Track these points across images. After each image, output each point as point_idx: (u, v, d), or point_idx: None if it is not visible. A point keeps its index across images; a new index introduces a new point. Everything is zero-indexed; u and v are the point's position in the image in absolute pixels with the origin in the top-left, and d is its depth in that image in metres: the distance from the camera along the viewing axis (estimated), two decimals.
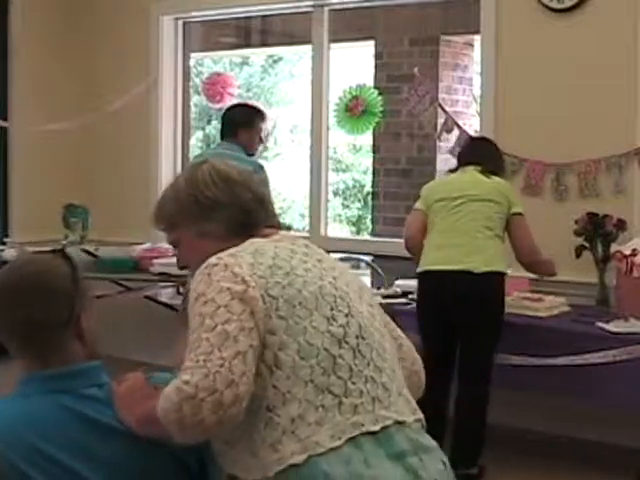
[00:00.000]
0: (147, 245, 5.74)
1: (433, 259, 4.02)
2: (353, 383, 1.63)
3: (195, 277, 1.71)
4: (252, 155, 4.68)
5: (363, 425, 1.60)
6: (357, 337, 1.68)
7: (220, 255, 1.72)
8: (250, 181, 1.95)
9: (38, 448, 1.63)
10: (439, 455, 1.70)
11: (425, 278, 4.07)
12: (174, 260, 6.03)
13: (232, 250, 1.74)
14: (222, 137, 4.75)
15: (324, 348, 1.63)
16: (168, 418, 1.52)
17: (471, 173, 4.16)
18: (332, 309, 1.68)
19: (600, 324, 4.00)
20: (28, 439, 1.63)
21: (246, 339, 1.57)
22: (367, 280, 5.25)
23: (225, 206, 1.86)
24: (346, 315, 1.69)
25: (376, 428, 1.61)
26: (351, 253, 5.63)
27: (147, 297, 5.85)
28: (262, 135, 4.78)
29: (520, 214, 4.06)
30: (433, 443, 1.71)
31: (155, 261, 5.42)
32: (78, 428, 1.66)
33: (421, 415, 1.74)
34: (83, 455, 1.65)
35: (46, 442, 1.63)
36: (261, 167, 4.60)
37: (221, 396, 1.49)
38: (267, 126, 4.92)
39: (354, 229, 10.88)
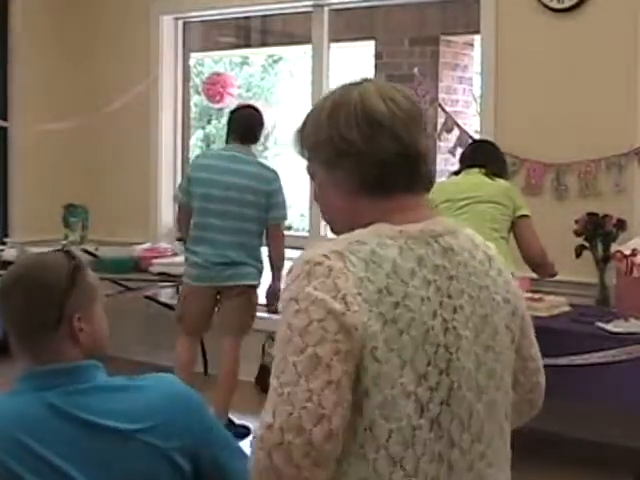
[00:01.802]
0: (147, 245, 5.75)
1: None
2: (424, 462, 1.37)
3: (294, 267, 1.42)
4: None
5: None
6: (441, 404, 1.39)
7: (328, 251, 1.40)
8: (405, 128, 1.49)
9: (24, 444, 1.64)
10: None
11: None
12: (174, 260, 5.99)
13: (342, 246, 1.41)
14: (235, 139, 4.61)
15: (407, 414, 1.36)
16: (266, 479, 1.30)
17: (475, 175, 4.16)
18: (429, 364, 1.38)
19: (600, 324, 4.00)
20: (15, 435, 1.65)
21: (340, 364, 1.31)
22: None
23: (360, 154, 1.47)
24: (440, 372, 1.39)
25: None
26: None
27: (147, 297, 5.86)
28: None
29: (527, 216, 4.06)
30: None
31: (155, 261, 5.43)
32: (63, 426, 1.67)
33: None
34: (69, 453, 1.65)
35: (32, 439, 1.65)
36: (277, 173, 4.63)
37: (311, 435, 1.28)
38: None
39: None
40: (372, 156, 1.46)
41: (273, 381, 1.33)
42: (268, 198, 4.51)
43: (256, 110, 4.82)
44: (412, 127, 1.50)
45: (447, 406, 1.40)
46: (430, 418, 1.38)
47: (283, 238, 4.66)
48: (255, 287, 4.63)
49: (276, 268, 4.68)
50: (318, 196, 1.56)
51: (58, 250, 1.89)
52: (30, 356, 1.75)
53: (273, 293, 4.74)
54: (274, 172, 4.61)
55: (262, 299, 4.80)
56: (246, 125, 4.66)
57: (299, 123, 1.58)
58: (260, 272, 4.63)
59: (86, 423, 1.67)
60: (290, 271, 1.43)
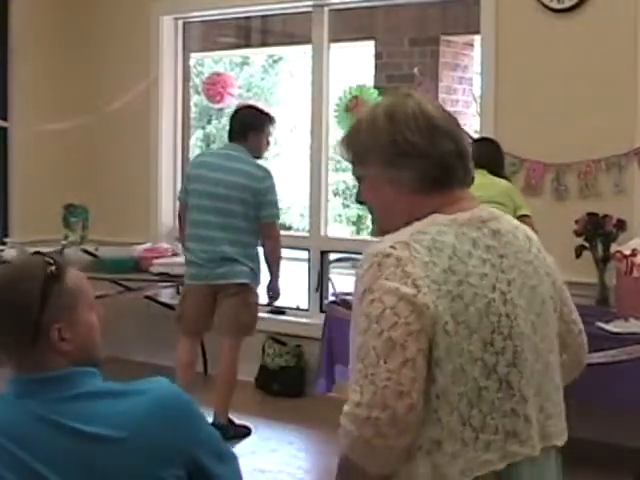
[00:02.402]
0: (147, 245, 5.75)
1: None
2: (492, 418, 1.55)
3: (364, 261, 1.58)
4: (259, 158, 4.69)
5: (492, 463, 1.55)
6: (509, 365, 1.57)
7: (394, 242, 1.56)
8: (455, 129, 1.70)
9: (7, 449, 1.66)
10: None
11: None
12: (174, 260, 5.99)
13: (406, 236, 1.57)
14: (230, 139, 4.71)
15: (473, 377, 1.53)
16: (357, 452, 1.51)
17: (476, 175, 4.16)
18: (493, 331, 1.56)
19: (600, 324, 4.00)
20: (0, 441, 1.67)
21: (414, 344, 1.49)
22: None
23: (423, 155, 1.64)
24: (505, 338, 1.57)
25: (501, 466, 1.56)
26: (351, 253, 5.63)
27: (147, 297, 5.86)
28: (270, 139, 4.79)
29: (528, 216, 4.06)
30: (546, 478, 1.65)
31: (155, 261, 5.43)
32: (46, 433, 1.66)
33: (555, 440, 1.67)
34: (52, 459, 1.65)
35: (15, 444, 1.66)
36: (269, 172, 4.63)
37: (394, 410, 1.46)
38: (275, 130, 4.88)
39: (354, 229, 10.89)
40: (434, 156, 1.64)
41: (358, 365, 1.50)
42: (257, 196, 4.50)
43: (256, 110, 4.83)
44: (459, 129, 1.72)
45: (514, 367, 1.57)
46: (499, 379, 1.55)
47: (278, 237, 4.65)
48: (250, 287, 4.60)
49: (273, 267, 4.67)
50: (369, 197, 1.71)
51: (36, 253, 1.84)
52: (14, 366, 1.74)
53: (271, 290, 4.74)
54: (265, 171, 4.60)
55: (262, 300, 4.81)
56: (234, 123, 4.71)
57: (347, 131, 1.74)
58: (254, 271, 4.60)
59: (70, 430, 1.66)
60: (360, 265, 1.58)
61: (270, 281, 4.73)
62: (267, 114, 4.80)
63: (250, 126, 4.64)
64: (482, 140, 4.64)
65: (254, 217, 4.53)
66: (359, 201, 1.75)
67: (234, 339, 4.64)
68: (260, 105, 5.81)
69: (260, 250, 4.68)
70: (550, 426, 1.65)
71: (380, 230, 1.69)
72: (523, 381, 1.58)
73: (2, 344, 1.73)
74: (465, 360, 1.53)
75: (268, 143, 4.76)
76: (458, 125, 1.72)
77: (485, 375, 1.54)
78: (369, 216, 1.78)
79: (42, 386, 1.70)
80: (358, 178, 1.73)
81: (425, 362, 1.50)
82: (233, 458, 1.85)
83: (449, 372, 1.52)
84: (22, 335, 1.69)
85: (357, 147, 1.71)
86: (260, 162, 4.69)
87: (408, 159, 1.64)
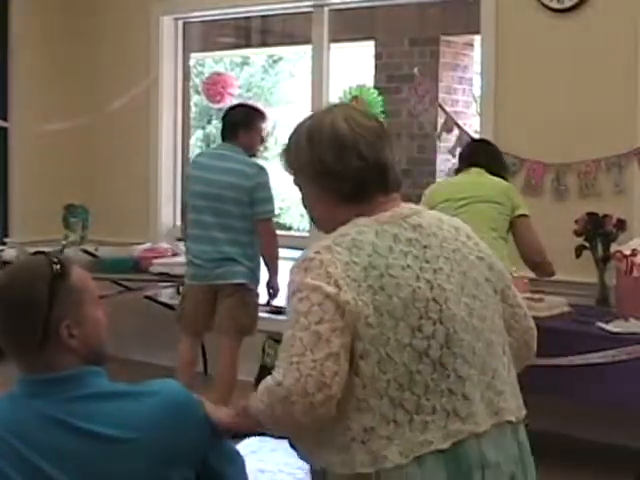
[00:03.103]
0: (147, 245, 5.75)
1: None
2: (427, 399, 1.63)
3: (293, 268, 1.72)
4: (253, 156, 4.68)
5: (432, 443, 1.61)
6: (441, 347, 1.65)
7: (318, 248, 1.70)
8: (366, 144, 1.79)
9: (14, 448, 1.66)
10: (508, 468, 1.69)
11: None
12: (174, 260, 5.98)
13: (329, 241, 1.71)
14: (223, 138, 4.73)
15: (403, 363, 1.62)
16: (261, 416, 1.67)
17: (475, 175, 4.16)
18: (421, 317, 1.65)
19: (600, 324, 3.99)
20: (6, 438, 1.67)
21: (337, 339, 1.60)
22: None
23: (336, 174, 1.78)
24: (434, 323, 1.66)
25: (445, 446, 1.62)
26: None
27: (147, 297, 5.86)
28: (263, 135, 4.78)
29: (525, 215, 4.06)
30: (504, 455, 1.69)
31: (155, 261, 5.43)
32: (54, 432, 1.66)
33: (507, 415, 1.72)
34: (59, 458, 1.65)
35: (22, 443, 1.66)
36: (262, 169, 4.62)
37: (313, 398, 1.56)
38: (267, 126, 4.88)
39: None
40: (346, 174, 1.77)
41: (283, 354, 1.63)
42: (251, 194, 4.49)
43: (246, 107, 4.84)
44: (376, 143, 1.80)
45: (447, 349, 1.66)
46: (432, 362, 1.64)
47: (273, 234, 4.64)
48: (248, 287, 4.58)
49: (270, 264, 4.66)
50: (305, 204, 1.89)
51: (38, 253, 1.84)
52: (24, 367, 1.74)
53: (271, 288, 4.73)
54: (258, 167, 4.58)
55: (263, 298, 4.80)
56: (224, 123, 4.72)
57: (285, 144, 1.89)
58: (252, 271, 4.58)
59: (81, 430, 1.66)
60: (291, 271, 1.72)
61: (269, 278, 4.73)
62: (257, 110, 4.81)
63: (240, 124, 4.64)
64: (480, 141, 4.65)
65: (250, 216, 4.52)
66: (304, 205, 1.91)
67: (233, 339, 4.63)
68: (259, 105, 5.82)
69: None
70: (500, 402, 1.71)
71: (320, 229, 1.87)
72: (458, 361, 1.66)
73: (12, 344, 1.73)
74: (392, 348, 1.62)
75: (262, 140, 4.76)
76: (380, 138, 1.81)
77: (416, 359, 1.63)
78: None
79: (51, 386, 1.70)
80: (298, 186, 1.88)
81: (347, 357, 1.61)
82: (239, 457, 1.87)
83: (375, 362, 1.62)
84: (32, 334, 1.69)
85: (289, 162, 1.87)
86: (258, 160, 4.69)
87: (325, 177, 1.78)
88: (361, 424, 1.61)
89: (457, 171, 4.35)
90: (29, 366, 1.73)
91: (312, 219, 1.90)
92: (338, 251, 1.68)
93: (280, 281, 4.75)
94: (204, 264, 4.55)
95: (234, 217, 4.51)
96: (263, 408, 1.65)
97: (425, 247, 1.72)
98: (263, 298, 4.81)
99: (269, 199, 4.57)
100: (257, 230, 4.57)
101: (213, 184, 4.53)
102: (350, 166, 1.76)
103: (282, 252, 4.76)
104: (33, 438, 1.66)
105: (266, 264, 4.67)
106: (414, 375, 1.62)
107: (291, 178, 1.89)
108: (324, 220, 1.84)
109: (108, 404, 1.70)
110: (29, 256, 1.90)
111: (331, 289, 1.62)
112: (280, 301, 5.12)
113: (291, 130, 1.89)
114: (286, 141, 1.89)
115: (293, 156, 1.85)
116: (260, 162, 4.73)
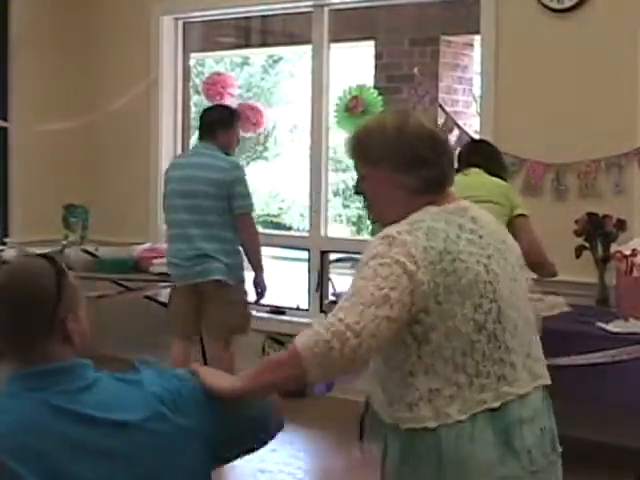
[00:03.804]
0: (147, 245, 5.75)
1: None
2: (484, 366, 1.88)
3: (374, 241, 1.90)
4: (230, 156, 4.69)
5: (486, 402, 1.87)
6: (495, 322, 1.90)
7: (399, 229, 1.89)
8: (447, 140, 2.09)
9: (33, 448, 1.64)
10: (540, 422, 1.95)
11: None
12: None
13: (407, 226, 1.91)
14: (200, 138, 4.74)
15: (467, 333, 1.87)
16: (313, 350, 1.75)
17: (474, 175, 4.16)
18: (481, 296, 1.89)
19: (600, 324, 4.00)
20: (25, 440, 1.65)
21: (399, 312, 1.81)
22: None
23: (427, 165, 1.97)
24: (490, 301, 1.90)
25: (496, 405, 1.88)
26: (351, 253, 5.63)
27: (147, 297, 5.85)
28: (239, 136, 4.81)
29: (524, 215, 4.06)
30: (537, 410, 1.95)
31: (155, 261, 5.43)
32: (68, 424, 1.68)
33: (542, 380, 2.01)
34: (76, 451, 1.66)
35: (39, 441, 1.65)
36: (239, 165, 4.67)
37: (363, 342, 1.75)
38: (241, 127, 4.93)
39: (354, 229, 10.89)
40: (437, 166, 1.98)
41: (353, 298, 1.80)
42: (229, 188, 4.49)
43: (223, 108, 4.86)
44: (449, 142, 2.11)
45: (499, 323, 1.91)
46: (487, 334, 1.89)
47: (254, 228, 4.63)
48: (228, 284, 4.51)
49: (253, 259, 4.63)
50: (372, 192, 2.03)
51: (38, 255, 1.86)
52: (22, 360, 1.75)
53: (257, 285, 4.69)
54: (233, 163, 4.61)
55: (252, 298, 4.76)
56: (202, 123, 4.74)
57: (356, 134, 2.04)
58: (230, 267, 4.51)
59: (91, 419, 1.68)
60: (372, 243, 1.90)
61: (255, 275, 4.68)
62: (235, 111, 4.84)
63: (219, 124, 4.65)
64: (479, 141, 4.65)
65: (225, 209, 4.50)
66: (357, 192, 2.08)
67: (220, 339, 4.60)
68: (260, 105, 5.82)
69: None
70: (537, 368, 2.00)
71: (375, 218, 2.07)
72: (507, 334, 1.92)
73: (16, 339, 1.74)
74: (459, 321, 1.86)
75: (238, 140, 4.78)
76: (447, 136, 2.13)
77: (476, 331, 1.88)
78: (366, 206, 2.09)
79: (56, 377, 1.72)
80: (360, 177, 2.04)
81: (396, 331, 1.83)
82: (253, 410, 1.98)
83: (442, 332, 1.86)
84: (41, 328, 1.72)
85: (367, 151, 2.02)
86: (231, 158, 4.70)
87: (414, 168, 1.96)
88: (428, 385, 1.86)
89: (456, 171, 4.34)
90: (31, 359, 1.74)
91: (369, 206, 2.05)
92: (417, 235, 1.88)
93: (266, 278, 4.72)
94: (181, 263, 4.55)
95: (210, 212, 4.49)
96: (318, 340, 1.74)
97: (481, 237, 1.97)
98: (252, 297, 4.76)
99: (247, 194, 4.57)
100: (237, 225, 4.55)
101: (189, 180, 4.53)
102: (441, 156, 2.00)
103: (282, 252, 4.76)
104: (45, 431, 1.66)
105: (249, 260, 4.64)
106: (475, 344, 1.87)
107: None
108: (394, 208, 1.98)
109: (116, 390, 1.76)
110: (27, 257, 1.92)
111: (412, 267, 1.83)
112: (280, 303, 5.11)
113: (360, 128, 2.06)
114: (357, 136, 2.04)
115: (371, 145, 2.00)
116: (237, 160, 4.77)
